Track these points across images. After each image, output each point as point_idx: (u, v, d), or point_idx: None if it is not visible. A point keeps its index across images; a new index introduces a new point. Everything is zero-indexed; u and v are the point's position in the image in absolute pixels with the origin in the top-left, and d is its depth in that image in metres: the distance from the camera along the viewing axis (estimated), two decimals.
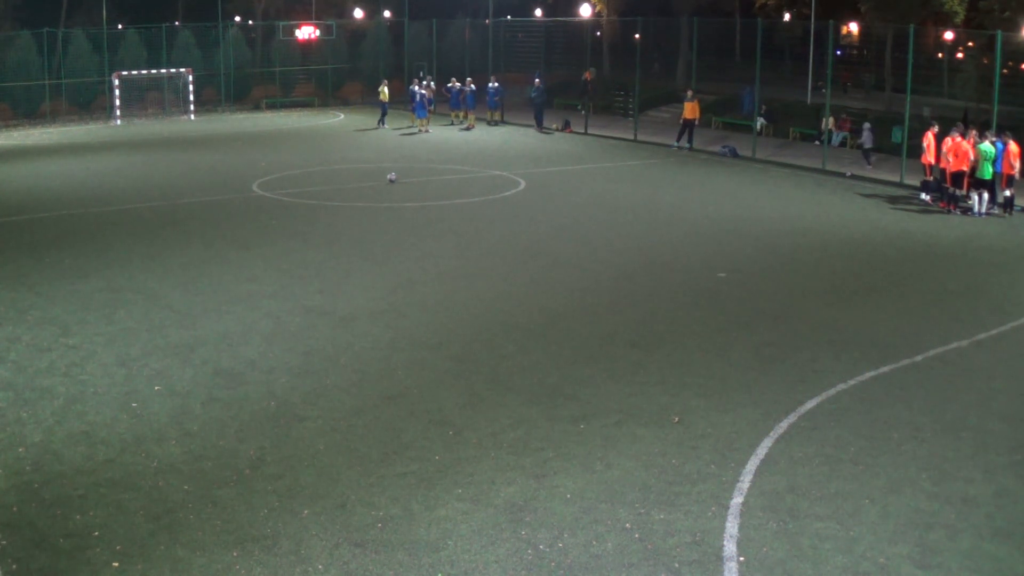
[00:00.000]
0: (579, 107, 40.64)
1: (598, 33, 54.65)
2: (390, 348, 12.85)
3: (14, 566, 7.70)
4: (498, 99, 39.97)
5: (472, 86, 39.70)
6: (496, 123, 39.69)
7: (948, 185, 22.76)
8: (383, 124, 38.57)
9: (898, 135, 29.56)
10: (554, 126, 38.41)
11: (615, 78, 48.47)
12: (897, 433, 10.25)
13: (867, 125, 30.93)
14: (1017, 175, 22.08)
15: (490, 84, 39.94)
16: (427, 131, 37.17)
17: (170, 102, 44.04)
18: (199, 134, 37.40)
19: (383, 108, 38.96)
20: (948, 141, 22.59)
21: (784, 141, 35.17)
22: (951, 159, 22.35)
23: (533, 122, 38.57)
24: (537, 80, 38.43)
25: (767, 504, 8.70)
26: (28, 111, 41.49)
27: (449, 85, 40.02)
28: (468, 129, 38.07)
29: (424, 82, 39.34)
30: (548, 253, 18.13)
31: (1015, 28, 32.98)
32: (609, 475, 9.25)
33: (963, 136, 22.39)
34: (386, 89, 39.07)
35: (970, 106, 35.05)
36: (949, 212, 22.37)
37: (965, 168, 22.20)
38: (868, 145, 30.65)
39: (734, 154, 31.35)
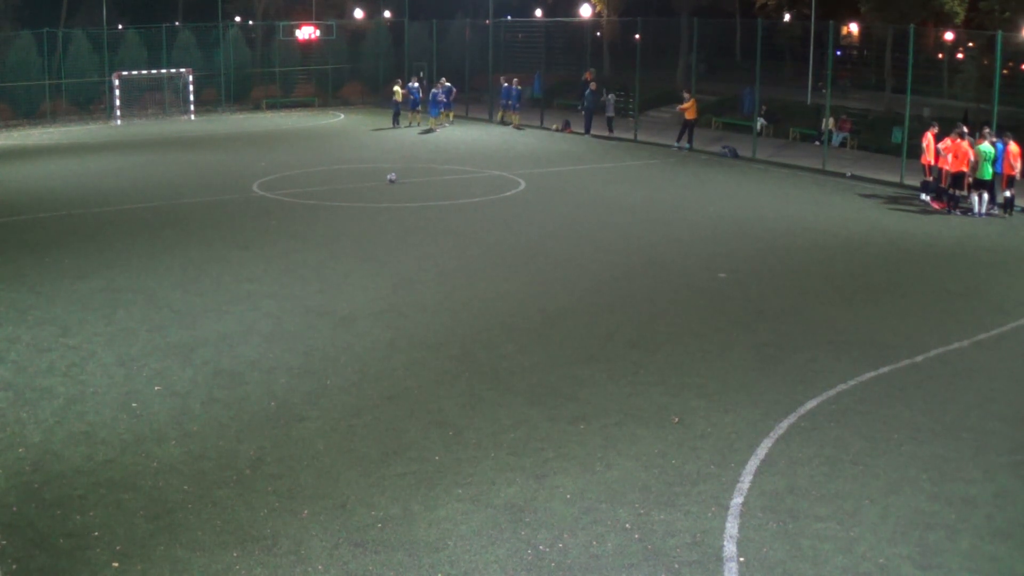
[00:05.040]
0: (578, 107, 40.59)
1: (598, 33, 54.64)
2: (390, 348, 12.85)
3: (14, 566, 7.70)
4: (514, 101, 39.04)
5: (449, 83, 39.32)
6: (522, 127, 38.73)
7: (943, 185, 22.78)
8: (397, 124, 38.56)
9: (898, 135, 29.58)
10: (554, 126, 38.40)
11: (615, 78, 48.44)
12: (897, 434, 10.25)
13: (611, 96, 36.94)
14: (1017, 176, 22.08)
15: (513, 86, 38.78)
16: (437, 129, 37.20)
17: (170, 102, 44.04)
18: (199, 134, 37.40)
19: (396, 108, 38.86)
20: (946, 141, 22.60)
21: (784, 141, 35.17)
22: (949, 159, 22.35)
23: (546, 123, 38.57)
24: (592, 84, 37.16)
25: (767, 504, 8.70)
26: (28, 111, 41.46)
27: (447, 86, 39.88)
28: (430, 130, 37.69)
29: (438, 81, 39.32)
30: (548, 253, 18.13)
31: (1015, 28, 32.97)
32: (609, 475, 9.25)
33: (961, 137, 22.37)
34: (399, 89, 38.91)
35: (970, 107, 35.04)
36: (949, 212, 22.37)
37: (965, 169, 22.19)
38: (610, 114, 36.81)
39: (734, 154, 31.35)
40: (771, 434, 10.20)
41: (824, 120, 32.11)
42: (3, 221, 21.19)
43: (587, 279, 16.37)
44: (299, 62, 49.39)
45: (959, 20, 37.96)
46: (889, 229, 20.64)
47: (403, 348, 12.86)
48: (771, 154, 31.60)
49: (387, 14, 61.72)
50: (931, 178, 23.44)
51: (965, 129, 22.94)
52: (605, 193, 24.51)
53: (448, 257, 17.79)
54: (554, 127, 38.30)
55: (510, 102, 39.01)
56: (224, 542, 8.05)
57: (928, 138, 23.48)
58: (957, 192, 22.62)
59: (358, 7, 63.46)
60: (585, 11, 52.72)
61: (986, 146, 21.90)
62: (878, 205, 23.48)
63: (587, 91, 37.07)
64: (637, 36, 44.13)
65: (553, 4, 60.89)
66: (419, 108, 38.86)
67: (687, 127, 32.83)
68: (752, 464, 9.50)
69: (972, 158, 21.99)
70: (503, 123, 39.53)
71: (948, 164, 22.46)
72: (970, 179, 22.23)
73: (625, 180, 26.70)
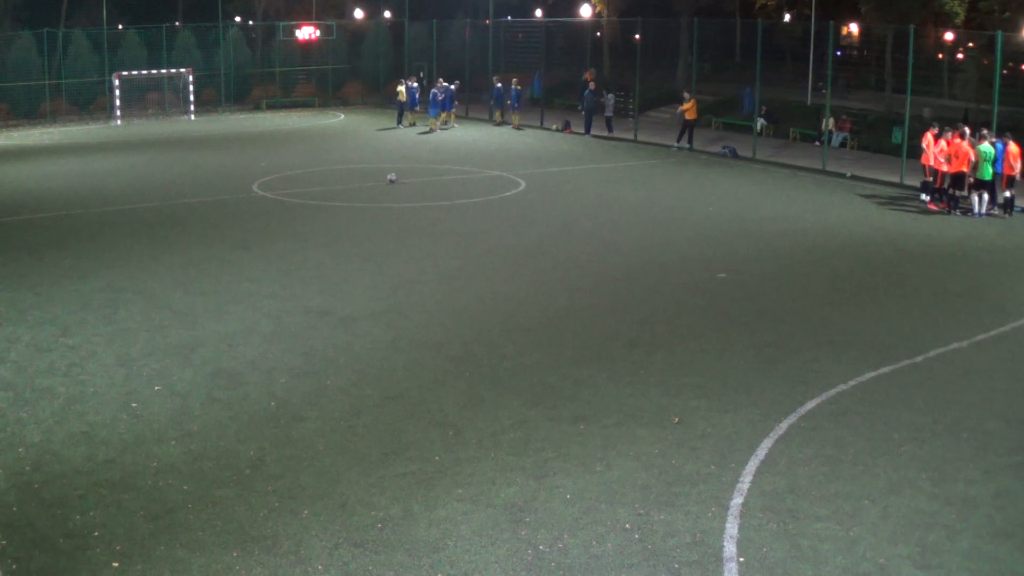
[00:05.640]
0: (578, 107, 40.61)
1: (598, 33, 54.63)
2: (390, 348, 12.85)
3: (14, 566, 7.70)
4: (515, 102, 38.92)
5: (447, 84, 38.96)
6: (522, 127, 38.63)
7: (938, 185, 22.78)
8: (400, 123, 38.50)
9: (898, 136, 29.58)
10: (554, 126, 38.39)
11: (615, 78, 48.48)
12: (897, 434, 10.25)
13: (611, 96, 37.60)
14: (1017, 176, 22.07)
15: (513, 86, 38.56)
16: (438, 129, 37.14)
17: (170, 102, 44.04)
18: (199, 134, 37.41)
19: (400, 108, 38.76)
20: (941, 143, 22.58)
21: (784, 142, 35.17)
22: (945, 160, 22.34)
23: (546, 124, 38.49)
24: (592, 84, 37.06)
25: (767, 505, 8.70)
26: (28, 111, 41.46)
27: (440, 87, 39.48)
28: (437, 130, 37.58)
29: (439, 81, 39.18)
30: (548, 253, 18.13)
31: (1015, 29, 32.96)
32: (609, 475, 9.25)
33: (962, 137, 22.34)
34: (403, 89, 38.77)
35: (970, 107, 35.05)
36: (949, 213, 22.37)
37: (965, 169, 22.18)
38: (609, 113, 37.25)
39: (734, 154, 31.36)
40: (771, 434, 10.20)
41: (824, 120, 32.11)
42: (3, 221, 21.19)
43: (587, 279, 16.37)
44: (299, 62, 49.40)
45: (959, 20, 37.95)
46: (889, 229, 20.65)
47: (403, 348, 12.86)
48: (771, 154, 31.60)
49: (387, 14, 61.73)
50: (931, 178, 23.44)
51: (967, 129, 22.89)
52: (605, 193, 24.51)
53: (448, 257, 17.80)
54: (554, 127, 38.30)
55: (509, 102, 38.96)
56: (224, 542, 8.05)
57: (928, 139, 23.47)
58: (957, 192, 22.61)
59: (358, 7, 63.46)
60: (585, 11, 52.71)
61: (986, 146, 21.90)
62: (878, 205, 23.49)
63: (586, 91, 37.03)
64: (637, 36, 44.15)
65: (553, 4, 60.87)
66: (417, 108, 38.82)
67: (687, 127, 32.84)
68: (752, 464, 9.50)
69: (973, 158, 21.99)
70: (499, 123, 39.41)
71: (946, 166, 22.44)
72: (971, 179, 22.22)
73: (625, 180, 26.70)
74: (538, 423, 10.48)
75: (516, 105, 38.67)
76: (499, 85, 39.52)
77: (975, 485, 9.12)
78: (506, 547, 7.98)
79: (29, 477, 9.19)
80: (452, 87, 38.37)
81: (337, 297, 15.22)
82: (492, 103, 40.07)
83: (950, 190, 22.64)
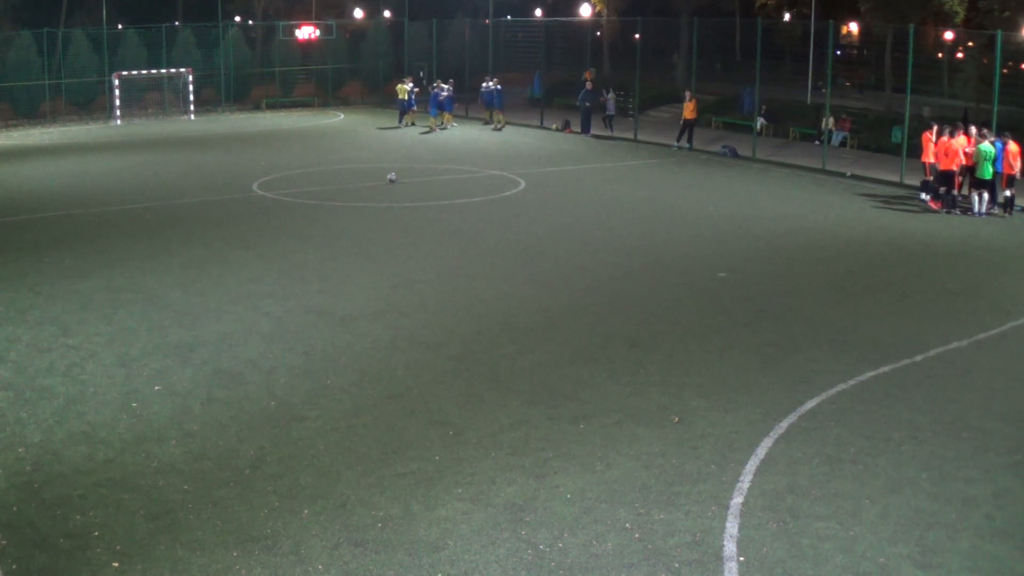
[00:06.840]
0: (576, 106, 40.58)
1: (598, 33, 54.66)
2: (390, 348, 12.85)
3: (14, 566, 7.70)
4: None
5: (447, 85, 38.68)
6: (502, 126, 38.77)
7: (936, 184, 22.79)
8: (400, 123, 38.46)
9: (898, 135, 29.58)
10: (554, 126, 38.39)
11: (615, 78, 48.46)
12: (897, 433, 10.25)
13: (610, 95, 37.78)
14: (1017, 175, 22.07)
15: (495, 85, 38.71)
16: (438, 129, 37.11)
17: (170, 102, 44.03)
18: (199, 134, 37.40)
19: (402, 107, 38.67)
20: (943, 139, 22.58)
21: (784, 141, 35.17)
22: (943, 158, 22.37)
23: (540, 123, 38.45)
24: (589, 84, 37.04)
25: (767, 504, 8.70)
26: (28, 111, 41.45)
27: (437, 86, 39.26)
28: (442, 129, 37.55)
29: (438, 82, 39.06)
30: (548, 253, 18.13)
31: (1015, 28, 32.96)
32: (609, 475, 9.25)
33: (951, 136, 22.33)
34: (406, 88, 38.61)
35: (970, 106, 35.05)
36: (948, 212, 22.36)
37: (955, 168, 22.18)
38: (610, 112, 37.43)
39: (734, 154, 31.35)
40: (771, 434, 10.20)
41: (824, 120, 32.11)
42: (3, 221, 21.19)
43: (587, 279, 16.37)
44: (299, 62, 49.38)
45: (959, 20, 37.97)
46: (889, 229, 20.64)
47: (403, 348, 12.87)
48: (771, 154, 31.59)
49: (387, 14, 61.74)
50: (931, 177, 23.43)
51: (973, 129, 22.85)
52: (605, 193, 24.51)
53: (448, 257, 17.80)
54: (554, 127, 38.30)
55: (490, 97, 38.89)
56: (224, 542, 8.05)
57: (928, 137, 23.46)
58: (954, 192, 22.58)
59: (358, 7, 63.48)
60: (585, 11, 52.73)
61: (986, 145, 21.90)
62: (878, 205, 23.48)
63: (582, 91, 37.06)
64: (637, 36, 44.18)
65: (553, 4, 60.90)
66: (415, 108, 38.76)
67: (687, 127, 32.82)
68: (752, 464, 9.50)
69: (961, 157, 21.98)
70: (485, 123, 39.34)
71: (941, 164, 22.48)
72: (959, 176, 22.21)
73: (625, 180, 26.70)
74: (538, 423, 10.48)
75: (498, 105, 38.58)
76: (485, 85, 39.50)
77: (975, 484, 9.12)
78: (506, 547, 7.99)
79: (29, 477, 9.19)
80: (437, 89, 38.26)
81: (337, 297, 15.22)
82: (482, 102, 40.02)
83: (941, 189, 22.63)
